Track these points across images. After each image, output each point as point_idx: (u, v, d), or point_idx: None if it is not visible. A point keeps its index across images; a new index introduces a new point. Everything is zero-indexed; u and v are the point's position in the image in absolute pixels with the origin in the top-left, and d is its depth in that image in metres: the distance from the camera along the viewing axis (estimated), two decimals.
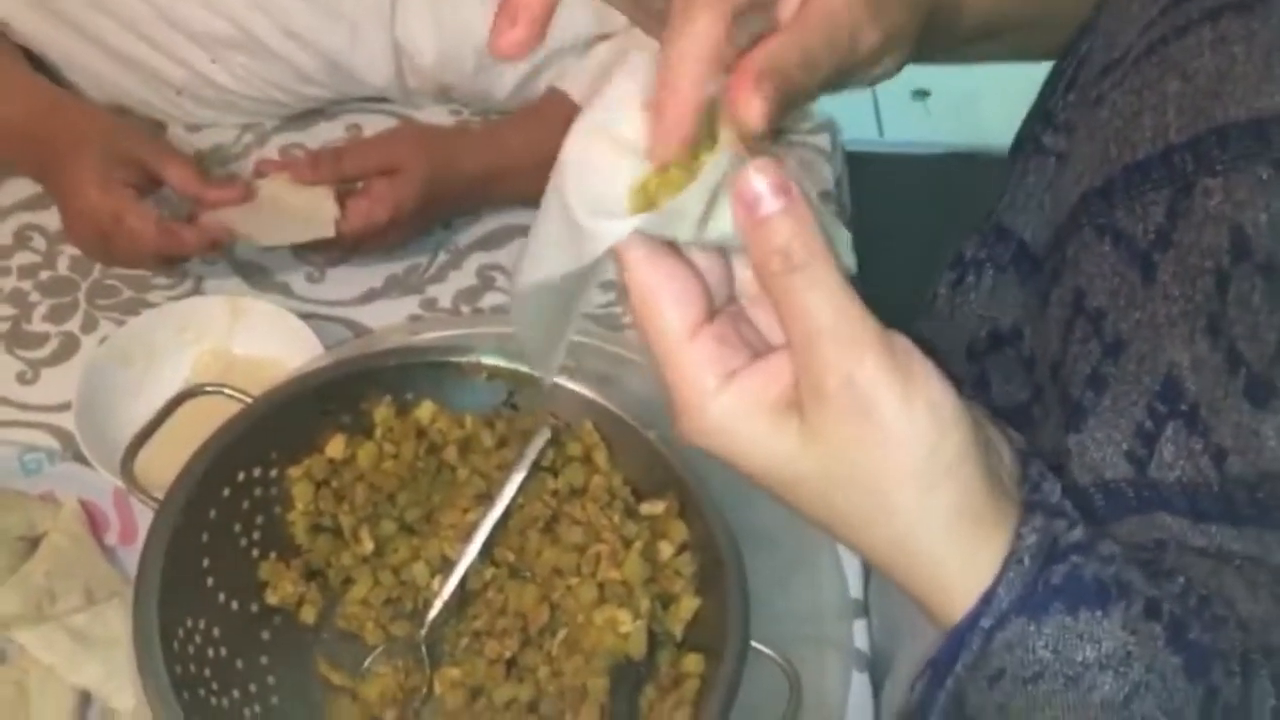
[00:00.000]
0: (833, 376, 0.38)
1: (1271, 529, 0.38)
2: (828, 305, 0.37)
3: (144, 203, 0.86)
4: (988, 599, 0.39)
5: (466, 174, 0.94)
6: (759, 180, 0.37)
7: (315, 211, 0.89)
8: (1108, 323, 0.44)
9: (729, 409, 0.39)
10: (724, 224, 0.39)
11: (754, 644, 0.60)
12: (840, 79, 0.43)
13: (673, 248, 0.40)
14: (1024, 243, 0.52)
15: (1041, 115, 0.55)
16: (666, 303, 0.39)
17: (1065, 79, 0.54)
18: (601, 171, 0.40)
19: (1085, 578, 0.40)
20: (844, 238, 0.41)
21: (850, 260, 0.42)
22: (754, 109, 0.37)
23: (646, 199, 0.39)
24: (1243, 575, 0.40)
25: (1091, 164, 0.47)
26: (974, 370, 0.54)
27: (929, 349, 0.41)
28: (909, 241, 0.75)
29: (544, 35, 0.40)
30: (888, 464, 0.38)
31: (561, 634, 0.66)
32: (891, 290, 0.63)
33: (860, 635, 0.75)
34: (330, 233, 0.88)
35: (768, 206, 0.37)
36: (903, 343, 0.39)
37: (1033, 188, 0.54)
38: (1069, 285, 0.47)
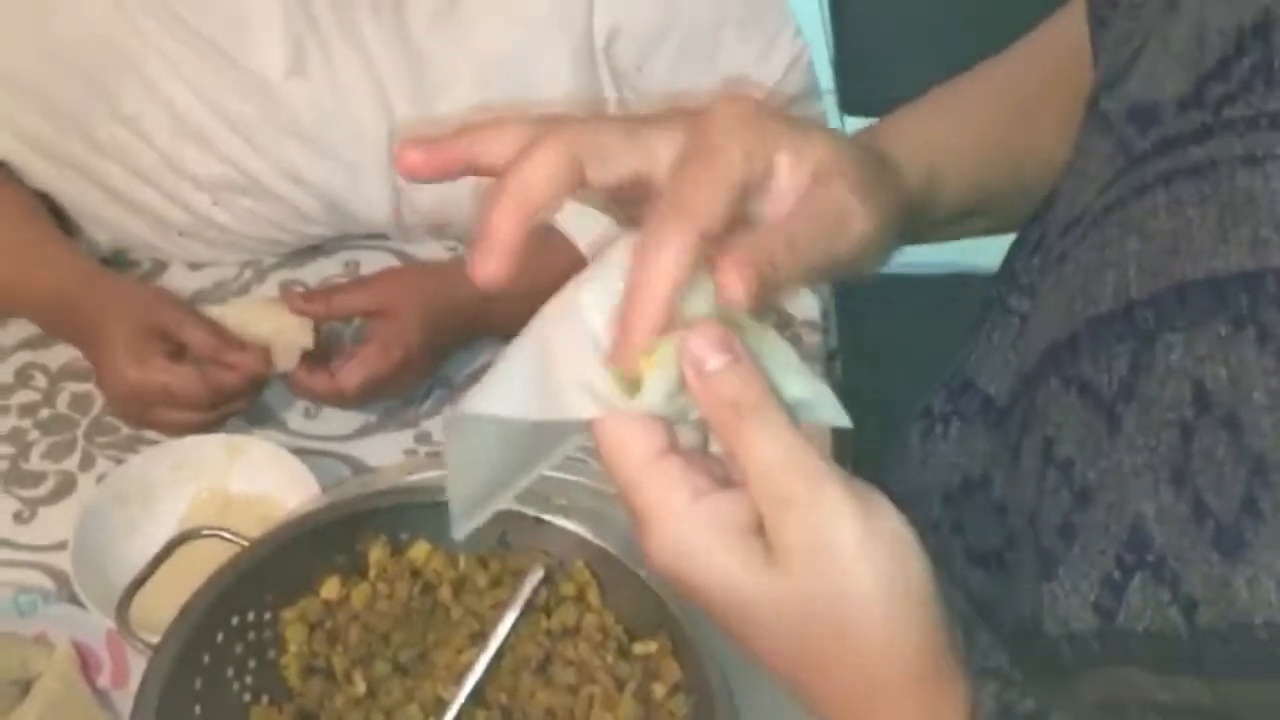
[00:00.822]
0: (792, 511, 0.39)
1: (1247, 680, 0.38)
2: (778, 444, 0.39)
3: (181, 366, 0.88)
4: None
5: (459, 304, 0.95)
6: (703, 342, 0.40)
7: (285, 339, 0.91)
8: (1076, 471, 0.45)
9: (697, 528, 0.40)
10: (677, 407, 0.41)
11: None
12: (833, 267, 0.45)
13: None
14: (989, 396, 0.54)
15: (1007, 277, 0.57)
16: (632, 429, 0.41)
17: (1030, 244, 0.56)
18: (584, 345, 0.41)
19: None
20: (825, 395, 0.43)
21: (840, 417, 0.43)
22: (739, 294, 0.40)
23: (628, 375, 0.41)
24: None
25: (1056, 317, 0.48)
26: (950, 515, 0.54)
27: (901, 497, 0.42)
28: (909, 359, 0.76)
29: (523, 263, 0.43)
30: (852, 595, 0.39)
31: None
32: (891, 407, 0.64)
33: None
34: (291, 366, 0.90)
35: (713, 364, 0.40)
36: (859, 481, 0.40)
37: (997, 345, 0.56)
38: (1038, 435, 0.48)
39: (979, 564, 0.54)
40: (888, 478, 0.61)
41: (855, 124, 2.67)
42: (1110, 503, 0.43)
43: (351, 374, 0.90)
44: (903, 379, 0.65)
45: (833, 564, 0.39)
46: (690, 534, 0.40)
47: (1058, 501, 0.45)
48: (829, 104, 2.77)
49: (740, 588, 0.40)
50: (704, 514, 0.40)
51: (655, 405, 0.41)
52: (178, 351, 0.89)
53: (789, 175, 0.44)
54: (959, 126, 0.61)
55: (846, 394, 0.44)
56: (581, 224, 0.99)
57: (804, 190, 0.44)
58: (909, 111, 0.63)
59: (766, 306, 0.41)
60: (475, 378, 0.99)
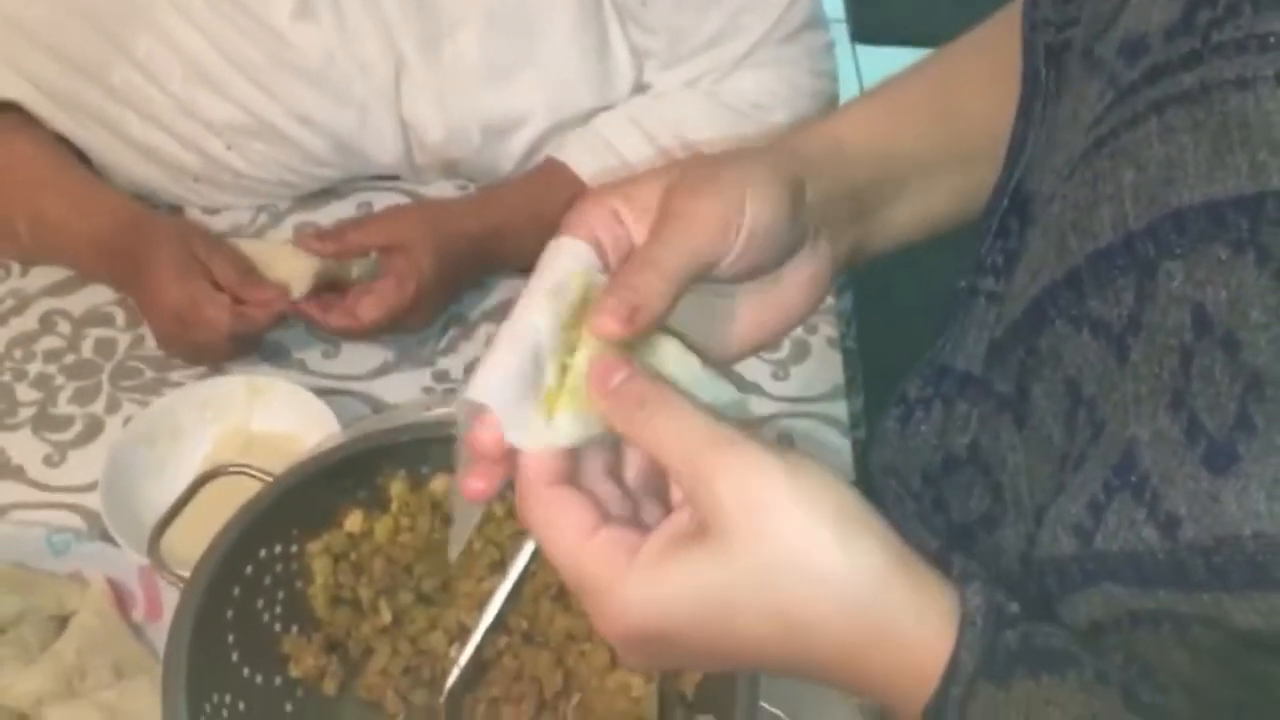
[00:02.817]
0: (719, 477, 0.41)
1: (1231, 592, 0.39)
2: (688, 425, 0.42)
3: (218, 293, 0.91)
4: (954, 665, 0.41)
5: (470, 233, 0.97)
6: (602, 368, 0.44)
7: (297, 274, 0.93)
8: (1098, 407, 0.46)
9: (643, 577, 0.42)
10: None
11: (763, 704, 0.62)
12: (743, 268, 0.49)
13: (566, 475, 0.45)
14: (967, 373, 0.55)
15: (973, 267, 0.58)
16: (562, 511, 0.44)
17: (992, 227, 0.57)
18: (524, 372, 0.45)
19: (1038, 645, 0.41)
20: (731, 393, 0.48)
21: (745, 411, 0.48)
22: (614, 329, 0.44)
23: (550, 406, 0.45)
24: (1184, 642, 0.41)
25: (1048, 260, 0.49)
26: (930, 493, 0.56)
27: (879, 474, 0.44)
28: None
29: (508, 475, 0.45)
30: (800, 533, 0.41)
31: (576, 699, 0.68)
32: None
33: None
34: (303, 290, 0.93)
35: (616, 379, 0.44)
36: (766, 438, 0.43)
37: (968, 328, 0.57)
38: (1057, 379, 0.49)
39: (961, 535, 0.55)
40: (866, 461, 0.63)
41: (867, 53, 2.64)
42: (1113, 432, 0.44)
43: (370, 308, 0.92)
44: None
45: (771, 513, 0.41)
46: (638, 586, 0.42)
47: (1085, 438, 0.46)
48: (840, 33, 2.74)
49: (704, 594, 0.42)
50: (642, 563, 0.42)
51: (570, 433, 0.45)
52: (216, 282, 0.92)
53: (632, 226, 0.49)
54: (887, 101, 0.63)
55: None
56: (586, 157, 1.00)
57: (646, 229, 0.48)
58: (850, 103, 0.65)
59: (650, 322, 0.45)
60: (488, 315, 1.01)
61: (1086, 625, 0.44)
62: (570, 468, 0.45)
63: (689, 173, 0.49)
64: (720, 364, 0.53)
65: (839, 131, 0.59)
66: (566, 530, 0.44)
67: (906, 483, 0.60)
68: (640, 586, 0.42)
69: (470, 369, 0.97)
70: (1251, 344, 0.40)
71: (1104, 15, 0.49)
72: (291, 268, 0.94)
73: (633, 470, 0.48)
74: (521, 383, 0.45)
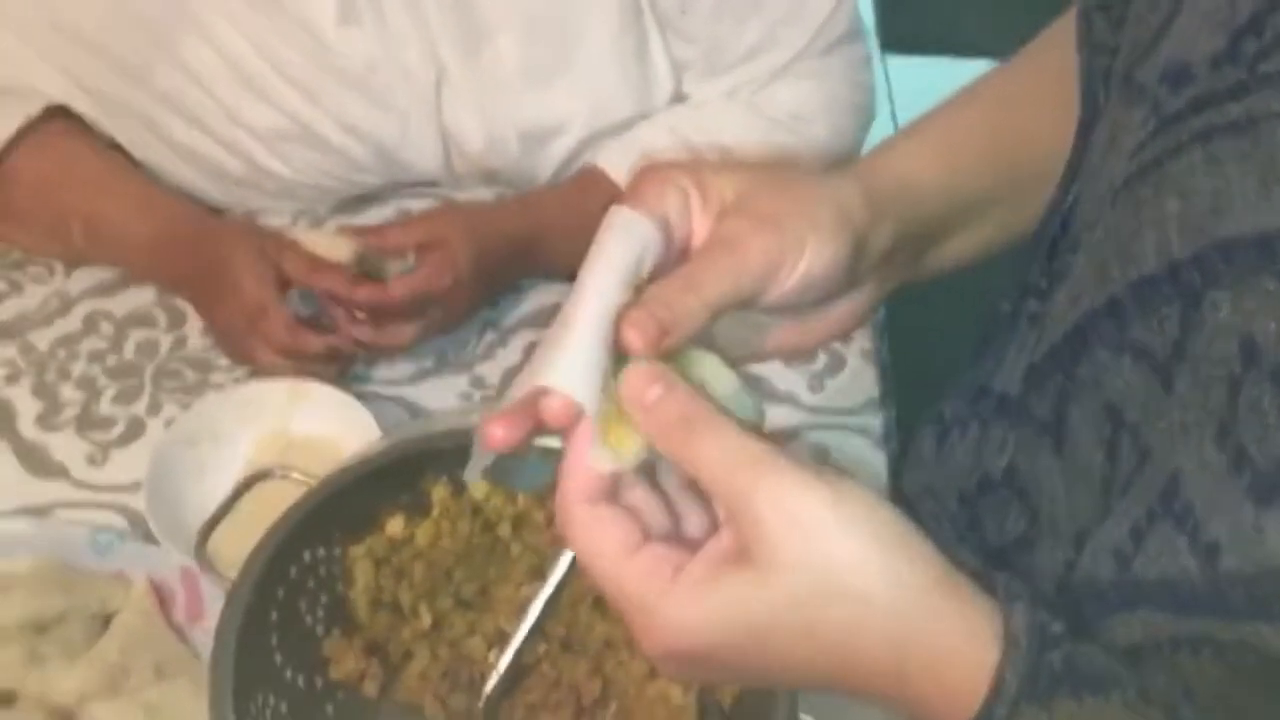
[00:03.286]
0: (761, 500, 0.41)
1: (1272, 622, 0.39)
2: (730, 444, 0.42)
3: (282, 302, 0.91)
4: (998, 685, 0.41)
5: (508, 235, 0.97)
6: (636, 381, 0.44)
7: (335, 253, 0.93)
8: (1141, 433, 0.46)
9: (685, 598, 0.42)
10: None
11: (802, 716, 0.62)
12: (773, 297, 0.48)
13: (606, 492, 0.45)
14: (1005, 395, 0.55)
15: (1020, 288, 0.58)
16: (604, 531, 0.44)
17: (1042, 248, 0.57)
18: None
19: (1081, 665, 0.41)
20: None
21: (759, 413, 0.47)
22: (637, 344, 0.44)
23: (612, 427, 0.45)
24: (1225, 665, 0.41)
25: (1088, 285, 0.49)
26: (966, 514, 0.55)
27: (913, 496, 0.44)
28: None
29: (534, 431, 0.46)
30: (845, 556, 0.41)
31: (613, 707, 0.69)
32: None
33: None
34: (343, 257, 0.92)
35: (651, 395, 0.43)
36: (807, 460, 0.43)
37: (1007, 348, 0.57)
38: (1097, 405, 0.49)
39: (995, 558, 0.55)
40: (900, 480, 0.63)
41: (897, 62, 2.64)
42: (1159, 461, 0.44)
43: (401, 285, 0.91)
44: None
45: (815, 537, 0.41)
46: (679, 605, 0.42)
47: (1124, 464, 0.46)
48: (870, 43, 2.73)
49: (747, 618, 0.42)
50: (685, 582, 0.42)
51: (636, 457, 0.45)
52: (283, 286, 0.92)
53: (696, 217, 0.48)
54: (939, 133, 0.62)
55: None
56: (624, 165, 1.00)
57: (708, 230, 0.48)
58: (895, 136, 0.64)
59: (680, 342, 0.45)
60: (525, 322, 1.01)
61: (1125, 648, 0.44)
62: (610, 484, 0.45)
63: (758, 192, 0.49)
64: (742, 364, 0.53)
65: (904, 169, 0.58)
66: (607, 549, 0.44)
67: (943, 503, 0.60)
68: (682, 607, 0.42)
69: (507, 376, 0.97)
70: None
71: (1143, 42, 0.49)
72: (328, 255, 0.93)
73: (672, 474, 0.48)
74: (598, 383, 0.44)
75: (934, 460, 0.61)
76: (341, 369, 0.94)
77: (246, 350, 0.93)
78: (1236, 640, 0.40)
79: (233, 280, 0.91)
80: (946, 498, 0.59)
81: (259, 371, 0.93)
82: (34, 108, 0.98)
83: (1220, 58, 0.43)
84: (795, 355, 0.55)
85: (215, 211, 1.07)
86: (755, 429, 0.44)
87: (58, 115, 0.99)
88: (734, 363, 0.48)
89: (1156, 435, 0.45)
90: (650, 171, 0.49)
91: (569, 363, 0.44)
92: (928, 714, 0.43)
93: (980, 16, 2.53)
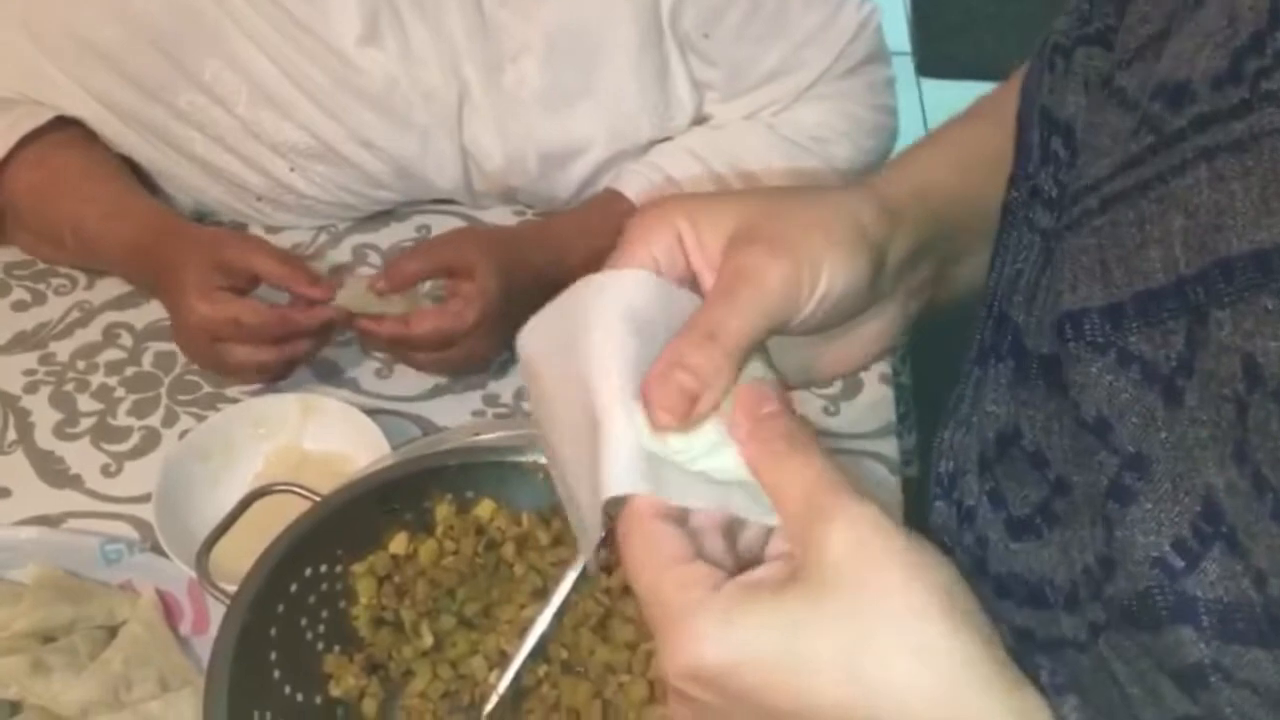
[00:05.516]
0: (837, 524, 0.40)
1: None
2: (824, 466, 0.42)
3: (248, 299, 0.90)
4: None
5: (534, 265, 0.96)
6: (755, 393, 0.44)
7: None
8: (1117, 436, 0.45)
9: (721, 609, 0.41)
10: (718, 461, 0.44)
11: None
12: (806, 322, 0.48)
13: (676, 515, 0.44)
14: (1019, 328, 0.53)
15: (1028, 187, 0.55)
16: (659, 541, 0.43)
17: (1033, 154, 0.55)
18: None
19: None
20: None
21: None
22: (668, 421, 0.43)
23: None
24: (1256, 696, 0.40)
25: (1074, 285, 0.48)
26: (987, 484, 0.54)
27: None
28: None
29: None
30: (908, 596, 0.40)
31: None
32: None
33: None
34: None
35: (769, 407, 0.43)
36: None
37: (1022, 267, 0.54)
38: (1067, 398, 0.48)
39: (1023, 532, 0.54)
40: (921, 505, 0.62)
41: (931, 86, 2.63)
42: (1178, 473, 0.43)
43: (423, 319, 0.90)
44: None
45: (882, 570, 0.40)
46: (716, 615, 0.40)
47: (1096, 464, 0.45)
48: (905, 66, 2.73)
49: (783, 639, 0.40)
50: (726, 594, 0.41)
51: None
52: (247, 288, 0.91)
53: (695, 249, 0.47)
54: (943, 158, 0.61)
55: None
56: (644, 188, 1.00)
57: (711, 261, 0.47)
58: (910, 150, 0.63)
59: (713, 406, 0.44)
60: None
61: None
62: (682, 513, 0.44)
63: (767, 217, 0.48)
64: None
65: (920, 178, 0.57)
66: (655, 560, 0.42)
67: (966, 490, 0.58)
68: (716, 617, 0.41)
69: (520, 394, 0.97)
70: None
71: (1135, 44, 0.49)
72: (386, 310, 0.92)
73: (745, 538, 0.46)
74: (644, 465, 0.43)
75: (969, 412, 0.59)
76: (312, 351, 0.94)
77: (221, 365, 0.93)
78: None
79: (183, 297, 0.90)
80: (972, 471, 0.58)
81: (240, 378, 0.94)
82: (40, 119, 0.99)
83: (1222, 77, 0.43)
84: (829, 380, 0.54)
85: (238, 226, 1.08)
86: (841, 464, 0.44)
87: (60, 126, 1.01)
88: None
89: (1156, 445, 0.43)
90: (639, 215, 0.49)
91: (621, 465, 0.43)
92: None
93: (1012, 43, 2.52)
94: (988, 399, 0.54)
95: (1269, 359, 0.40)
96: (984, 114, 0.63)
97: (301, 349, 0.92)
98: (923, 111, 2.47)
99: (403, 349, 0.94)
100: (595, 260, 1.07)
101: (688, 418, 0.43)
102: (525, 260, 0.95)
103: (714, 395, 0.44)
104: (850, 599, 0.40)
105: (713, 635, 0.40)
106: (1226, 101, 0.43)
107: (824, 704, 0.40)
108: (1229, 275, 0.41)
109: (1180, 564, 0.42)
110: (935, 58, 2.59)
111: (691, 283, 0.49)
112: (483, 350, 0.94)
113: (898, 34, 2.59)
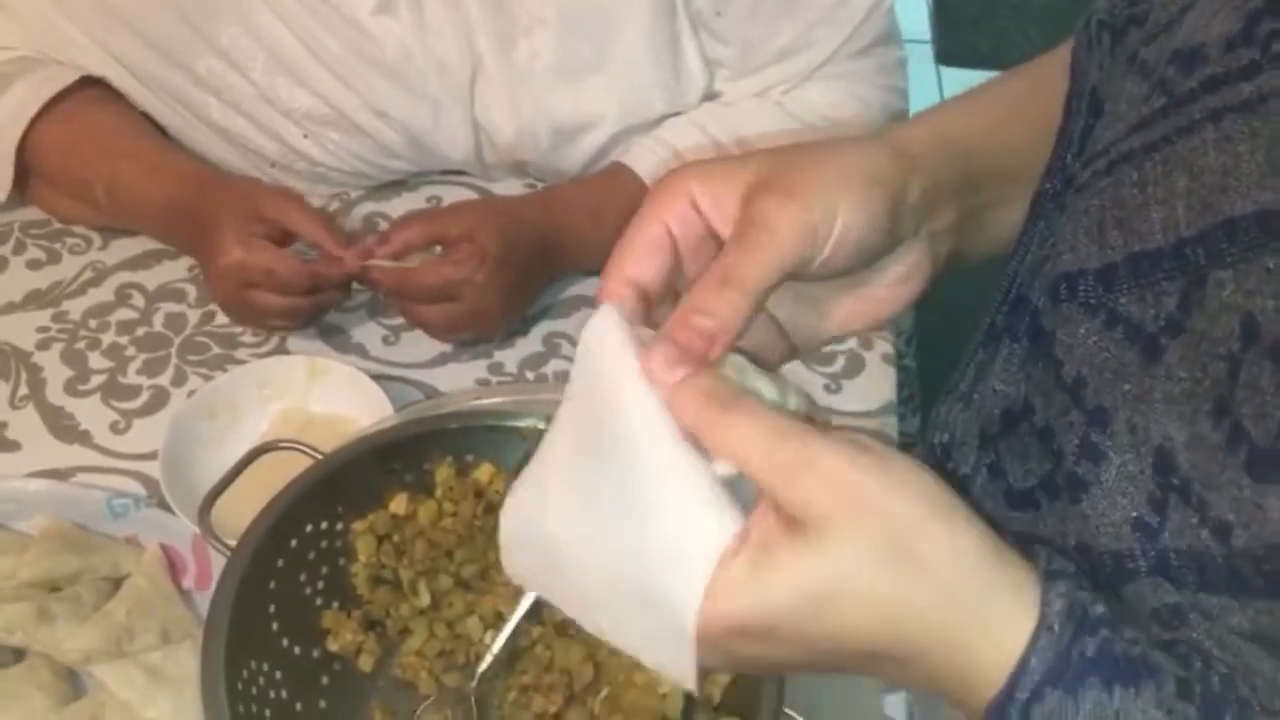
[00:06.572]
0: (806, 471, 0.41)
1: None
2: (766, 421, 0.42)
3: (284, 250, 0.92)
4: (1021, 668, 0.40)
5: (536, 229, 0.97)
6: (659, 359, 0.43)
7: None
8: (1088, 392, 0.45)
9: (741, 570, 0.41)
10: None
11: (786, 710, 0.62)
12: (824, 269, 0.48)
13: None
14: (1038, 310, 0.53)
15: (1063, 176, 0.55)
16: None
17: (1075, 143, 0.55)
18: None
19: (1117, 653, 0.41)
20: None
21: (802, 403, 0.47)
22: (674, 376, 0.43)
23: None
24: (1261, 642, 0.41)
25: (1074, 246, 0.48)
26: (987, 457, 0.55)
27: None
28: None
29: None
30: (901, 519, 0.41)
31: (604, 692, 0.69)
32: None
33: (894, 705, 0.76)
34: None
35: (677, 375, 0.43)
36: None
37: (1047, 254, 0.55)
38: (1052, 357, 0.48)
39: (1023, 504, 0.54)
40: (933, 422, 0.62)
41: (951, 74, 2.62)
42: (1134, 424, 0.43)
43: (429, 269, 0.91)
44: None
45: (868, 502, 0.41)
46: (737, 578, 0.41)
47: (1068, 424, 0.46)
48: (925, 53, 2.72)
49: (808, 588, 0.41)
50: (743, 554, 0.41)
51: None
52: (282, 240, 0.93)
53: (711, 209, 0.48)
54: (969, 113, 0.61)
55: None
56: (651, 162, 1.01)
57: (735, 216, 0.47)
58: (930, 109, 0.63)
59: (731, 342, 0.44)
60: (545, 311, 1.02)
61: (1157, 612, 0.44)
62: None
63: (780, 169, 0.48)
64: (807, 348, 0.53)
65: (945, 125, 0.57)
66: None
67: (961, 460, 0.59)
68: (739, 583, 0.41)
69: (526, 363, 0.98)
70: None
71: (1159, 23, 0.49)
72: None
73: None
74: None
75: (970, 390, 0.60)
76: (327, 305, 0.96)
77: (247, 312, 0.94)
78: (1252, 624, 0.40)
79: (219, 243, 0.92)
80: (969, 445, 0.58)
81: (266, 328, 0.96)
82: (69, 78, 1.00)
83: (1234, 39, 0.43)
84: (867, 328, 0.54)
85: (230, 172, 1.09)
86: (789, 411, 0.44)
87: (89, 85, 1.02)
88: (771, 366, 0.48)
89: (1118, 397, 0.44)
90: (653, 190, 0.49)
91: (685, 503, 0.42)
92: (964, 688, 0.43)
93: (1034, 32, 2.51)
94: (996, 378, 0.55)
95: (1267, 317, 0.40)
96: (1021, 74, 0.63)
97: (327, 302, 0.94)
98: (941, 98, 2.46)
99: (408, 298, 0.95)
100: (599, 228, 1.07)
101: (704, 359, 0.43)
102: (526, 225, 0.96)
103: (730, 333, 0.44)
104: (852, 538, 0.41)
105: (739, 599, 0.41)
106: (1237, 62, 0.43)
107: (851, 630, 0.42)
108: (1232, 235, 0.42)
109: (1154, 518, 0.43)
110: (956, 46, 2.58)
111: (712, 240, 0.49)
112: (485, 305, 0.94)
113: (918, 22, 2.58)
